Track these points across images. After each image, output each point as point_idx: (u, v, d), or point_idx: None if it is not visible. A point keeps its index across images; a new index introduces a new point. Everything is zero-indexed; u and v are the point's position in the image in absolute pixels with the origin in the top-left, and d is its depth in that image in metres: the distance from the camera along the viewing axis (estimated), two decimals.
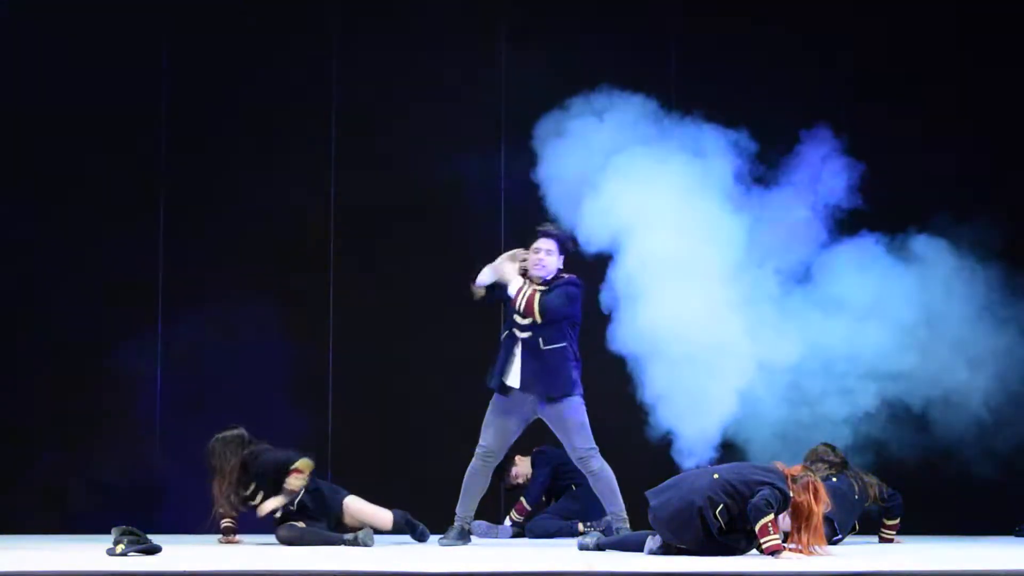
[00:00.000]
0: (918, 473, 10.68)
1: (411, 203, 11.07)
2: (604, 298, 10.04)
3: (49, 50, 10.88)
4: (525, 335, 9.03)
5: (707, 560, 7.77)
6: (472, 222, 11.06)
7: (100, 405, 10.79)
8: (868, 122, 11.00)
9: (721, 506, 7.99)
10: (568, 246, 9.21)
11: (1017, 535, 10.55)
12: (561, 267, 9.16)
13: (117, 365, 10.82)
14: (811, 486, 8.06)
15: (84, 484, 10.64)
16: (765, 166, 10.43)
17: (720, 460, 9.72)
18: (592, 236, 9.95)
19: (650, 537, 8.25)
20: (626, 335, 10.01)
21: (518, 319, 9.05)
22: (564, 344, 9.04)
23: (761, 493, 7.92)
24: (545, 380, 9.03)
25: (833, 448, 9.96)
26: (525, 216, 10.32)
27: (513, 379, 9.05)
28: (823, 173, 10.53)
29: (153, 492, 10.75)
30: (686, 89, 10.70)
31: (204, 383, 10.86)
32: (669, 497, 8.14)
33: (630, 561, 7.84)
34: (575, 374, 9.07)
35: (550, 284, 9.10)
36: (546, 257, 9.11)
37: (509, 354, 9.07)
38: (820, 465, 9.76)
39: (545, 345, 9.02)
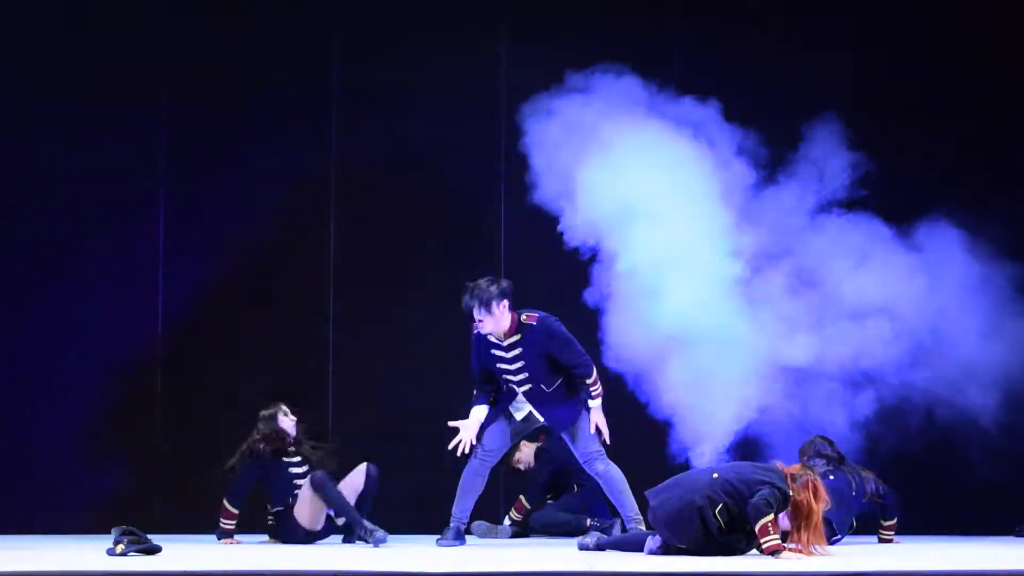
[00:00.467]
0: (919, 473, 10.67)
1: (412, 201, 11.06)
2: (603, 297, 10.04)
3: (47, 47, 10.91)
4: (525, 388, 9.00)
5: (707, 560, 7.77)
6: (473, 219, 11.05)
7: (101, 403, 10.78)
8: (874, 114, 10.91)
9: (721, 505, 7.99)
10: (491, 297, 8.77)
11: (1017, 535, 10.54)
12: (509, 311, 8.85)
13: (117, 363, 10.82)
14: (811, 484, 8.06)
15: (84, 483, 10.64)
16: (769, 159, 10.40)
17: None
18: (590, 230, 9.94)
19: (650, 537, 8.24)
20: (629, 335, 9.99)
21: (510, 378, 8.99)
22: (562, 377, 8.99)
23: (761, 493, 7.92)
24: (567, 416, 9.02)
25: (831, 442, 9.93)
26: (524, 208, 10.30)
27: (516, 413, 9.08)
28: (828, 167, 10.48)
29: (153, 492, 10.75)
30: (688, 83, 10.59)
31: (204, 382, 10.85)
32: (669, 497, 8.14)
33: (630, 561, 7.84)
34: (578, 392, 9.00)
35: (516, 333, 8.91)
36: (483, 326, 8.85)
37: (512, 397, 9.04)
38: (817, 460, 9.75)
39: (549, 388, 9.00)
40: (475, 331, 8.95)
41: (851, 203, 10.51)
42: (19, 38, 10.86)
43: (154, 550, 8.03)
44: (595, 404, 9.00)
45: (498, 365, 8.98)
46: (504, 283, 8.85)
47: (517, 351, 8.92)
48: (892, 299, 10.36)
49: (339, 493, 9.27)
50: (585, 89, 10.20)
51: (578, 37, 10.77)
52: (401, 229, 11.08)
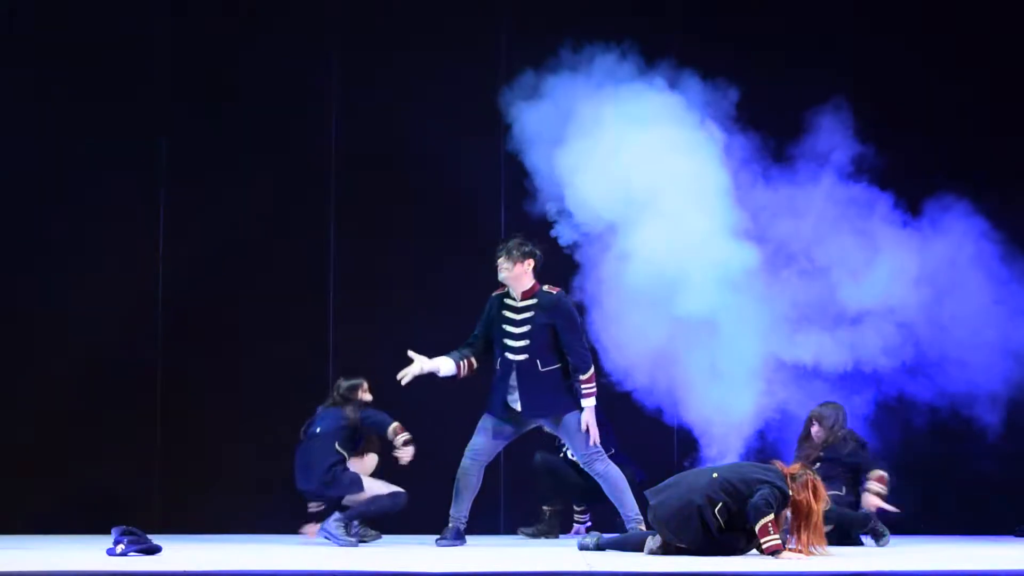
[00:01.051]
0: (920, 473, 10.66)
1: (412, 196, 11.05)
2: (609, 295, 10.01)
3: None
4: (521, 358, 9.04)
5: (707, 560, 7.78)
6: (473, 213, 11.04)
7: (101, 402, 10.77)
8: (883, 102, 10.82)
9: (720, 504, 8.00)
10: (518, 251, 9.04)
11: (1017, 535, 10.54)
12: (532, 273, 9.08)
13: (119, 363, 10.81)
14: (810, 484, 8.06)
15: (84, 483, 10.63)
16: (773, 149, 10.32)
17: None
18: (593, 227, 9.90)
19: (650, 537, 8.25)
20: (638, 335, 9.96)
21: (511, 343, 9.05)
22: (559, 365, 9.04)
23: (760, 492, 7.92)
24: (547, 403, 9.06)
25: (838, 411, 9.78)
26: (524, 201, 10.26)
27: (514, 404, 9.08)
28: (835, 157, 10.37)
29: (154, 492, 10.74)
30: (694, 71, 10.47)
31: (205, 382, 10.84)
32: (668, 496, 8.15)
33: (630, 561, 7.85)
34: (576, 387, 9.05)
35: (533, 298, 9.06)
36: (502, 272, 9.06)
37: (506, 380, 9.08)
38: (817, 431, 9.64)
39: (543, 367, 9.04)
40: (494, 294, 9.15)
41: (863, 190, 10.38)
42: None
43: (154, 550, 8.04)
44: (588, 404, 9.03)
45: (504, 326, 9.05)
46: (536, 248, 9.11)
47: (528, 315, 9.02)
48: (901, 300, 10.26)
49: (373, 507, 9.32)
50: (587, 75, 10.12)
51: (578, 25, 10.64)
52: (401, 225, 11.05)
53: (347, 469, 9.36)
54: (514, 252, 9.03)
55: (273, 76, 10.99)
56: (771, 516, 7.91)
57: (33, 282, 10.81)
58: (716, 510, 8.00)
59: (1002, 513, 10.68)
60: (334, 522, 9.11)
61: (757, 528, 7.90)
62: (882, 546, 9.33)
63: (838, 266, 10.29)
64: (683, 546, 8.06)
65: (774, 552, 7.88)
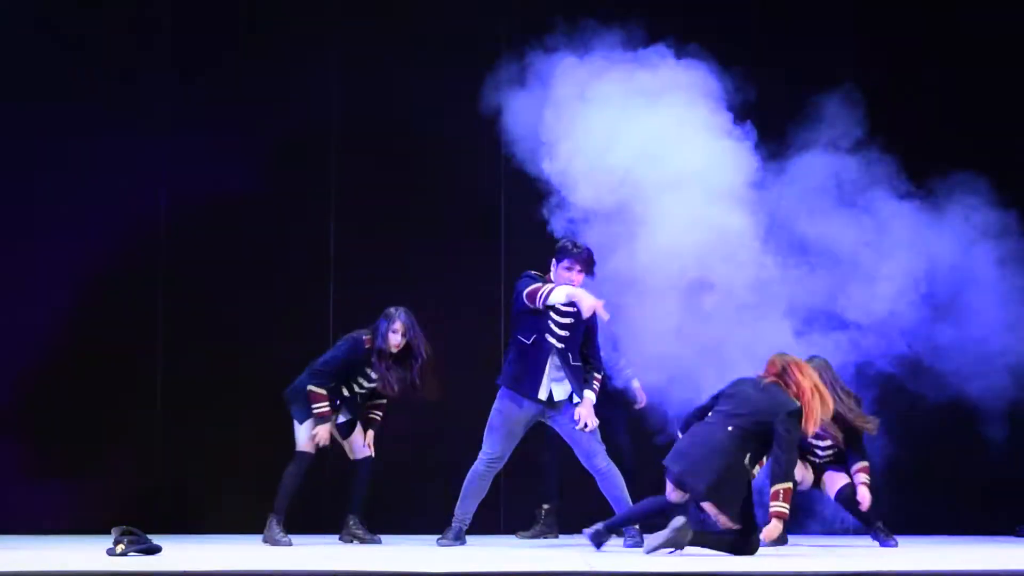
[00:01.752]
0: (920, 473, 10.66)
1: (413, 195, 11.06)
2: (619, 295, 10.00)
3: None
4: (560, 346, 9.06)
5: (708, 560, 7.79)
6: (473, 207, 11.06)
7: (101, 402, 10.77)
8: (891, 95, 10.82)
9: (748, 455, 8.23)
10: (594, 269, 9.18)
11: (1017, 535, 10.55)
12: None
13: (117, 362, 10.81)
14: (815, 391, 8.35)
15: (84, 483, 10.63)
16: (777, 136, 10.24)
17: None
18: (599, 223, 9.88)
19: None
20: (649, 335, 9.95)
21: (557, 330, 9.07)
22: (580, 363, 9.12)
23: (776, 454, 8.17)
24: (571, 385, 9.08)
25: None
26: (524, 194, 10.24)
27: (543, 392, 9.08)
28: (841, 142, 10.30)
29: (155, 492, 10.74)
30: (695, 59, 10.43)
31: (206, 379, 10.85)
32: (685, 444, 8.34)
33: (630, 561, 7.85)
34: (590, 382, 9.14)
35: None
36: (569, 276, 9.09)
37: (540, 364, 9.08)
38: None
39: (573, 361, 9.09)
40: (535, 275, 9.15)
41: (873, 181, 10.30)
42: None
43: (154, 550, 8.04)
44: (590, 395, 9.06)
45: (551, 312, 9.04)
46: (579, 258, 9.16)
47: (574, 309, 9.01)
48: (906, 301, 10.23)
49: (290, 487, 9.27)
50: (586, 63, 10.04)
51: (577, 12, 10.58)
52: (401, 222, 11.06)
53: (316, 400, 9.30)
54: (594, 270, 9.14)
55: (273, 72, 11.00)
56: (788, 484, 8.15)
57: (32, 280, 10.81)
58: (747, 461, 8.22)
59: (1002, 513, 10.69)
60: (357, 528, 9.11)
61: (771, 491, 8.17)
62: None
63: (844, 262, 10.23)
64: (700, 487, 8.15)
65: (775, 517, 8.15)
